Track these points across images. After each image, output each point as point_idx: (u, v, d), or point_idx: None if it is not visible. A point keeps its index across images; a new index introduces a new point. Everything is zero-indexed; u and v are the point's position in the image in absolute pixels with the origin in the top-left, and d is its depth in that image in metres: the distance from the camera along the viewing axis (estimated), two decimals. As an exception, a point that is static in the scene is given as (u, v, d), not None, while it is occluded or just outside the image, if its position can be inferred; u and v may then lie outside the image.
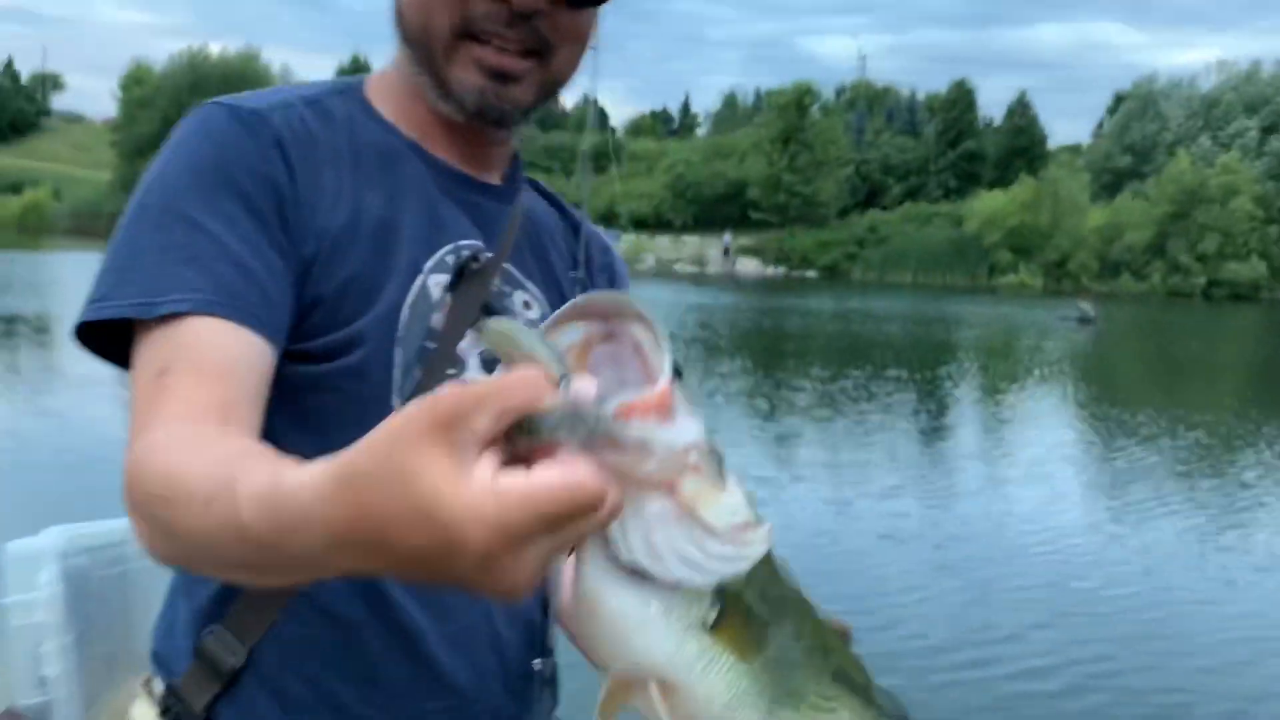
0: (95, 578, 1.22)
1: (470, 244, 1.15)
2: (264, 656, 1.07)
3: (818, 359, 16.22)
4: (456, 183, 1.17)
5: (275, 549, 0.65)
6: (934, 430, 11.01)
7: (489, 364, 1.15)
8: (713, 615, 0.68)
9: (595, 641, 0.69)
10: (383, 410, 1.01)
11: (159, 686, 1.10)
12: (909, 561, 6.38)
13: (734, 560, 0.66)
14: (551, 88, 1.14)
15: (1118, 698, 4.59)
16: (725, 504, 0.64)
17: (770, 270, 55.05)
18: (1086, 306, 27.90)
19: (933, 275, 52.26)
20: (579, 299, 0.63)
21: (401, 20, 1.12)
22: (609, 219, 60.04)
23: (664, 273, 48.89)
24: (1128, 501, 8.15)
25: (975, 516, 7.56)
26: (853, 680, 0.82)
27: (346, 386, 1.04)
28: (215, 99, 1.08)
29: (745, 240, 57.53)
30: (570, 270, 1.28)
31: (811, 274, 53.65)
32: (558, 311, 0.63)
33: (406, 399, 1.07)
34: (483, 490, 0.53)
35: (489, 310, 1.15)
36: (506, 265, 1.18)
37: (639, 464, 0.58)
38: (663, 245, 57.57)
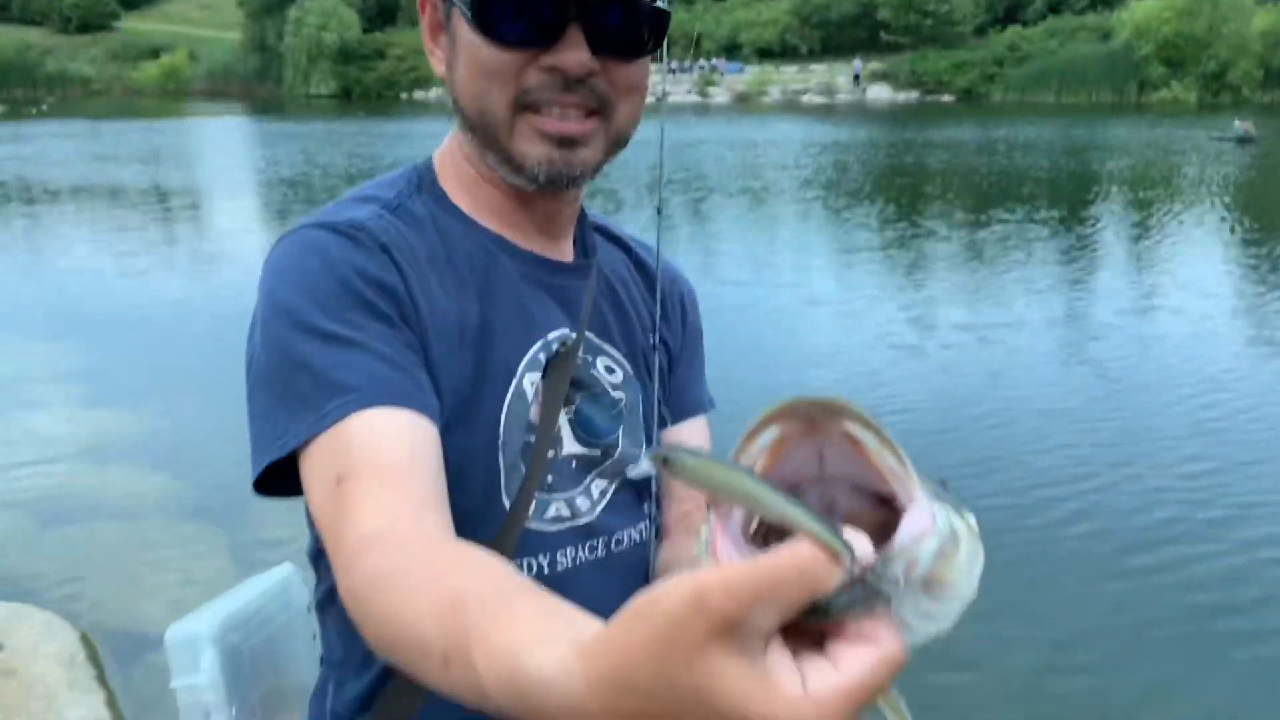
0: (247, 650, 1.34)
1: (559, 334, 1.18)
2: None
3: (960, 199, 15.59)
4: (541, 269, 1.20)
5: (528, 711, 0.64)
6: (1085, 267, 10.57)
7: (580, 433, 1.19)
8: None
9: None
10: (493, 511, 1.09)
11: None
12: (1068, 397, 6.39)
13: (967, 599, 0.62)
14: (618, 141, 1.15)
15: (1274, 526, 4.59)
16: (964, 556, 0.60)
17: (903, 96, 52.49)
18: (1246, 125, 25.85)
19: (1078, 94, 48.99)
20: (787, 401, 0.57)
21: (459, 105, 1.12)
22: (731, 50, 58.03)
23: (791, 105, 47.25)
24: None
25: (1131, 351, 7.45)
26: None
27: (456, 502, 1.03)
28: (298, 225, 1.10)
29: (876, 65, 54.79)
30: (646, 334, 1.30)
31: (947, 98, 50.99)
32: (762, 416, 0.58)
33: (515, 495, 1.12)
34: (797, 702, 0.50)
35: (577, 384, 1.18)
36: (589, 335, 1.22)
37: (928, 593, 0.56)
38: (789, 75, 55.45)
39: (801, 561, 0.49)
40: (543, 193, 1.16)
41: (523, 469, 1.12)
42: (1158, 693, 3.57)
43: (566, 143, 1.08)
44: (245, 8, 62.92)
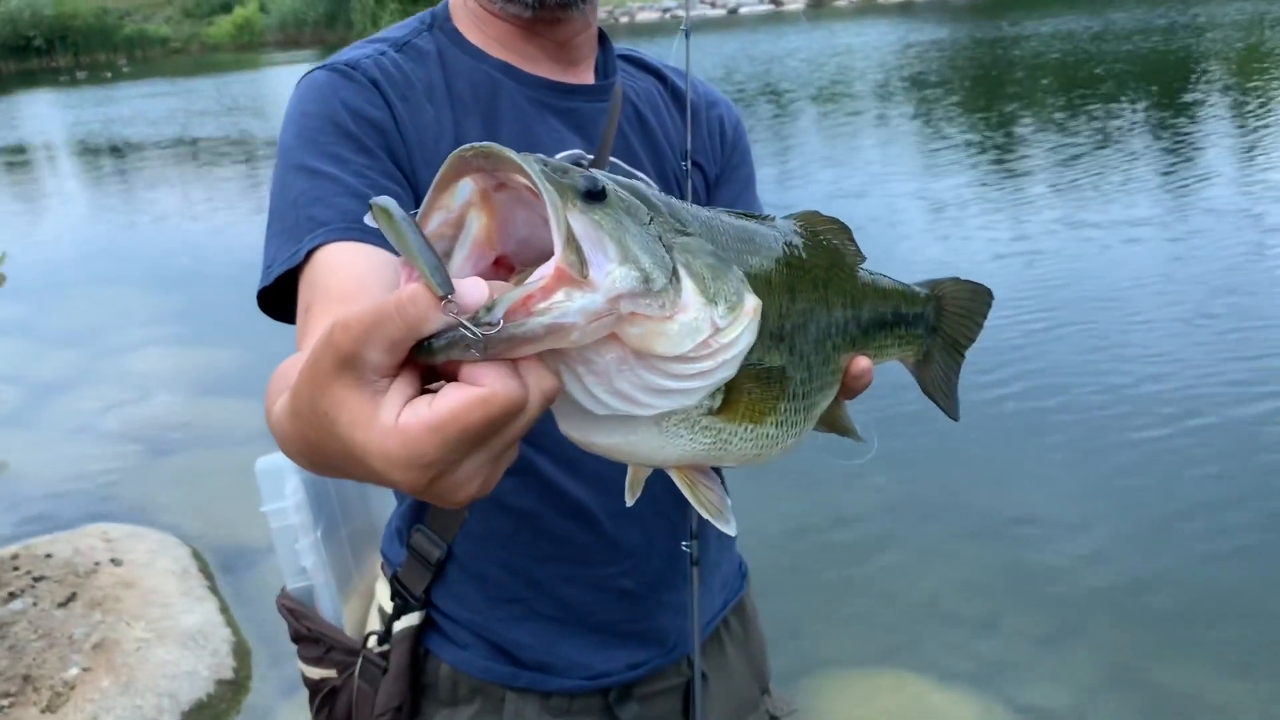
0: (332, 482, 1.41)
1: (569, 153, 1.17)
2: (461, 548, 1.23)
3: (1048, 93, 14.94)
4: (550, 92, 1.20)
5: (301, 457, 0.71)
6: (1182, 160, 10.04)
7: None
8: (718, 400, 0.67)
9: (605, 457, 0.68)
10: None
11: (389, 574, 1.28)
12: (1164, 300, 6.04)
13: (714, 370, 0.62)
14: None
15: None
16: (679, 329, 0.59)
17: (984, -12, 50.33)
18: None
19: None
20: (454, 153, 0.57)
21: None
22: (802, -44, 56.15)
23: (867, 7, 45.69)
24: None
25: (1243, 248, 6.98)
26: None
27: None
28: (312, 68, 1.16)
29: (954, -42, 52.53)
30: (680, 159, 1.28)
31: (1031, -14, 48.77)
32: (439, 173, 0.58)
33: None
34: (386, 430, 0.52)
35: None
36: (613, 159, 1.21)
37: (561, 343, 0.55)
38: (863, -23, 53.54)
39: (403, 299, 0.51)
40: (546, 20, 1.18)
41: None
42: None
43: None
44: (310, -46, 63.16)
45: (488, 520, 1.20)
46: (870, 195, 9.41)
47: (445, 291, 0.52)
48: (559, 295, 0.53)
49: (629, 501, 0.80)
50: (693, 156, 1.28)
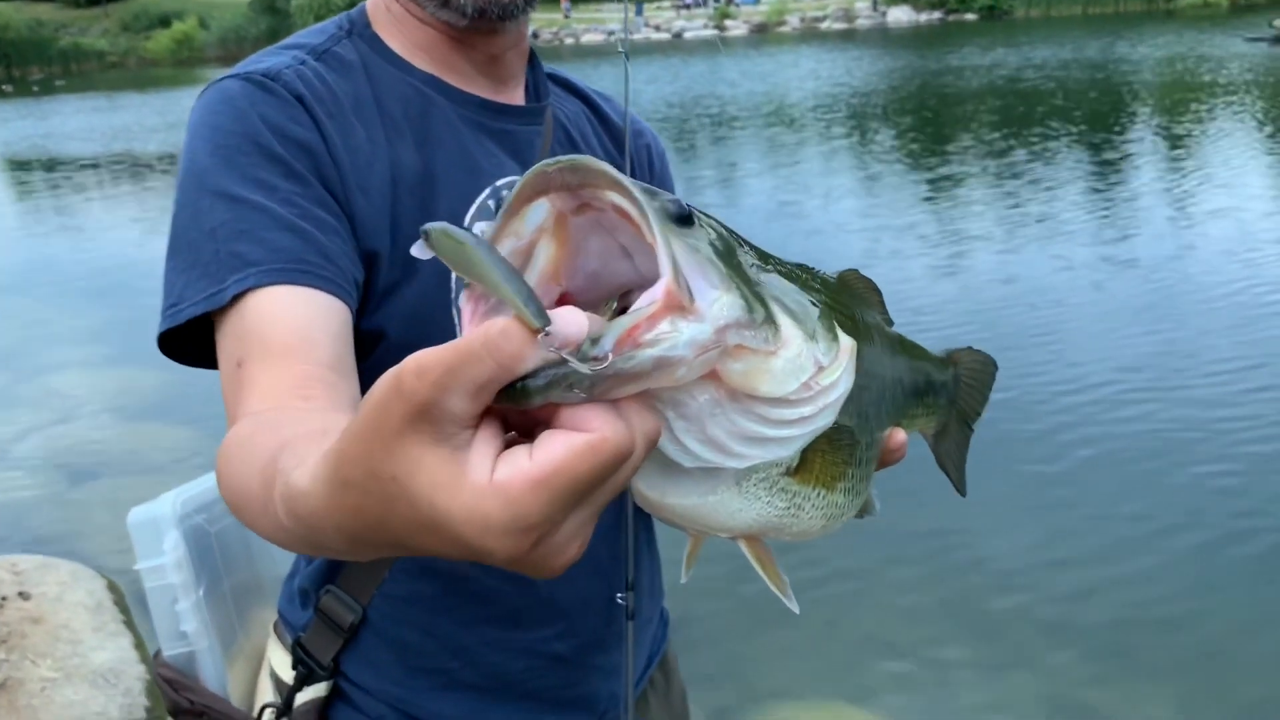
0: (213, 532, 1.29)
1: (509, 180, 1.09)
2: (378, 612, 1.12)
3: (985, 123, 15.20)
4: (484, 112, 1.12)
5: (319, 547, 0.62)
6: (1112, 180, 10.28)
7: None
8: (795, 459, 0.61)
9: (672, 523, 0.63)
10: None
11: (288, 638, 1.17)
12: (1112, 309, 6.28)
13: (814, 417, 0.56)
14: None
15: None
16: (784, 365, 0.53)
17: (924, 17, 51.25)
18: (1280, 24, 24.94)
19: (1104, 3, 47.61)
20: (535, 169, 0.50)
21: None
22: (746, -19, 56.91)
23: (809, 34, 46.36)
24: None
25: (1163, 261, 7.24)
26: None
27: None
28: (218, 77, 1.04)
29: (895, -13, 53.57)
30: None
31: (970, 17, 49.74)
32: (512, 192, 0.51)
33: None
34: (481, 491, 0.45)
35: None
36: None
37: (665, 381, 0.48)
38: (806, 2, 54.36)
39: (493, 335, 0.44)
40: (479, 30, 1.09)
41: None
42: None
43: None
44: (253, -30, 62.47)
45: (412, 582, 1.11)
46: (807, 217, 9.51)
47: (542, 323, 0.45)
48: (664, 325, 0.47)
49: (683, 578, 0.74)
50: None
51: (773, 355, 0.52)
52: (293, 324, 0.90)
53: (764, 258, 0.60)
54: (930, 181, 10.94)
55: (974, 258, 7.67)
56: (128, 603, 3.78)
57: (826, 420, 0.57)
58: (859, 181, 11.33)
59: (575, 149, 1.19)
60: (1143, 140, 12.47)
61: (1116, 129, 13.34)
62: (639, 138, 1.29)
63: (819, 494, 0.64)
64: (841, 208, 9.81)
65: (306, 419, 0.80)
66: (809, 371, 0.55)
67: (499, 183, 1.10)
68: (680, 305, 0.47)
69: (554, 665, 1.16)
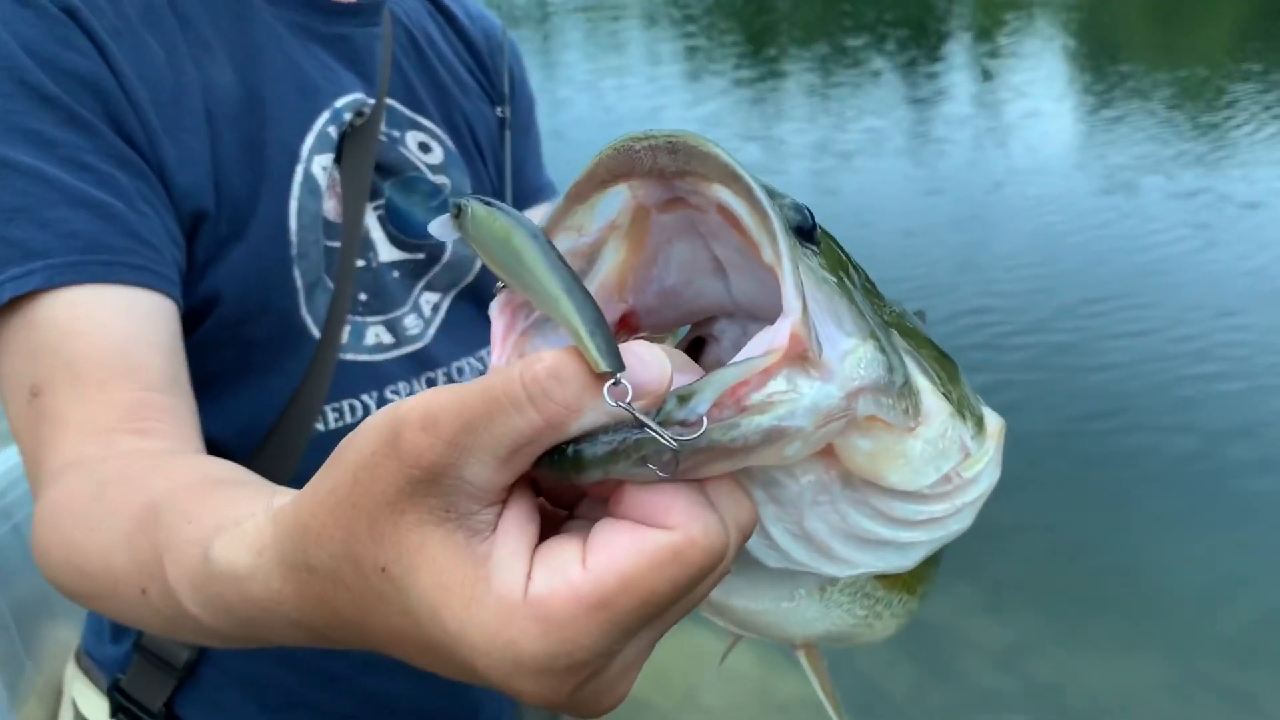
0: None
1: (351, 100, 0.89)
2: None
3: (803, 31, 15.35)
4: (311, 14, 0.89)
5: (254, 640, 0.48)
6: (930, 88, 10.52)
7: (395, 232, 0.92)
8: None
9: (719, 621, 0.49)
10: (302, 348, 0.80)
11: (102, 679, 0.97)
12: (912, 220, 6.39)
13: (948, 519, 0.41)
14: None
15: (1100, 338, 4.69)
16: (922, 449, 0.40)
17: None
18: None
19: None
20: (613, 144, 0.38)
21: None
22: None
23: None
24: (1120, 157, 7.79)
25: (968, 170, 7.52)
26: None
27: (251, 334, 0.81)
28: None
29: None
30: (465, 98, 1.01)
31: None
32: (584, 173, 0.39)
33: (326, 325, 0.84)
34: (510, 608, 0.32)
35: (383, 170, 0.89)
36: (390, 102, 0.92)
37: (769, 459, 0.36)
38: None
39: (539, 376, 0.32)
40: None
41: (329, 285, 0.85)
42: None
43: None
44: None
45: None
46: (634, 116, 9.58)
47: (612, 365, 0.33)
48: (778, 383, 0.35)
49: (717, 670, 0.56)
50: (489, 99, 1.02)
51: (910, 434, 0.40)
52: (106, 338, 0.69)
53: (869, 282, 0.44)
54: (747, 90, 10.93)
55: (791, 160, 7.75)
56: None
57: (962, 525, 0.41)
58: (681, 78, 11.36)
59: (420, 53, 0.99)
60: (953, 57, 12.57)
61: (929, 43, 13.43)
62: (490, 37, 1.06)
63: (900, 600, 0.50)
64: (662, 101, 9.80)
65: (169, 466, 0.62)
66: (953, 460, 0.40)
67: (338, 103, 0.89)
68: (804, 356, 0.36)
69: (439, 680, 1.06)
